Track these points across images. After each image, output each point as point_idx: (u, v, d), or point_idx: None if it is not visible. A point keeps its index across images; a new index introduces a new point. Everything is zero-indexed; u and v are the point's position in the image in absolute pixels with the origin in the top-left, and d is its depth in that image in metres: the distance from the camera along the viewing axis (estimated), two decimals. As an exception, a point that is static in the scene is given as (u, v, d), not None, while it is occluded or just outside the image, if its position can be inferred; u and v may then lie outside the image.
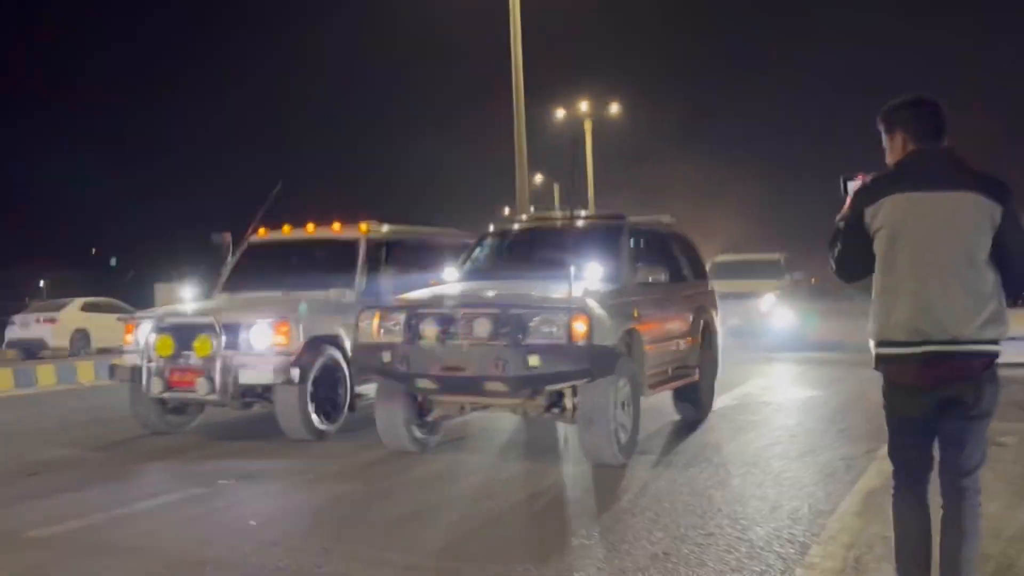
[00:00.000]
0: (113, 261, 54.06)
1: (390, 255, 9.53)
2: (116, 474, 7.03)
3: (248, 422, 9.14)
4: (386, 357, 6.87)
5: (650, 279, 7.73)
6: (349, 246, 9.25)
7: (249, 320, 8.11)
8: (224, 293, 9.47)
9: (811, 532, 5.09)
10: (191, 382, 7.95)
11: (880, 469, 6.31)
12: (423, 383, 6.87)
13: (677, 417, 9.15)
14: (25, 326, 23.38)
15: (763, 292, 17.00)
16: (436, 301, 7.09)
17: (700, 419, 9.05)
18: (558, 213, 8.95)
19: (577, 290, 6.70)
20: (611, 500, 5.87)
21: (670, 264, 8.87)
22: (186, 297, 9.28)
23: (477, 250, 8.78)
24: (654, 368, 7.80)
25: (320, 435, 8.14)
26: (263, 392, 8.19)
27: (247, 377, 7.92)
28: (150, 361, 8.12)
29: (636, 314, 7.42)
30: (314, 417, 8.08)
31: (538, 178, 60.19)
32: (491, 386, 6.68)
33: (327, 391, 8.30)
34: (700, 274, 9.73)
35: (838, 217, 3.41)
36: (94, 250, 58.26)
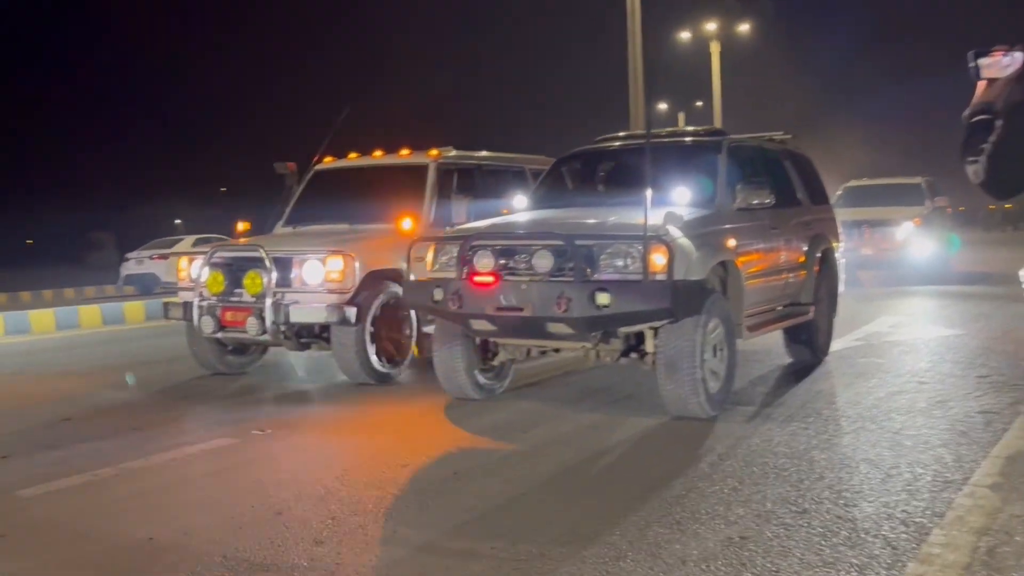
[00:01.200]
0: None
1: (465, 183, 8.78)
2: (150, 421, 6.56)
3: (315, 362, 8.62)
4: (438, 295, 6.13)
5: (754, 203, 6.74)
6: (417, 173, 8.53)
7: (301, 254, 7.52)
8: (287, 226, 8.92)
9: (933, 510, 4.14)
10: (242, 321, 7.43)
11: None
12: (479, 324, 6.11)
13: (788, 360, 8.18)
14: (139, 263, 24.64)
15: (900, 220, 15.48)
16: (494, 232, 6.32)
17: (815, 363, 8.06)
18: (647, 132, 7.94)
19: (657, 216, 5.79)
20: (688, 463, 5.01)
21: (780, 187, 7.84)
22: (247, 231, 8.78)
23: (552, 176, 7.94)
24: (756, 307, 6.86)
25: (382, 378, 7.55)
26: (321, 332, 7.63)
27: (299, 316, 7.34)
28: (202, 299, 7.65)
29: (733, 244, 6.46)
30: (374, 359, 7.48)
31: (661, 106, 58.28)
32: (555, 328, 5.87)
33: (390, 331, 7.67)
34: (819, 199, 8.64)
35: (967, 111, 2.39)
36: (223, 189, 60.08)
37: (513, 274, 5.98)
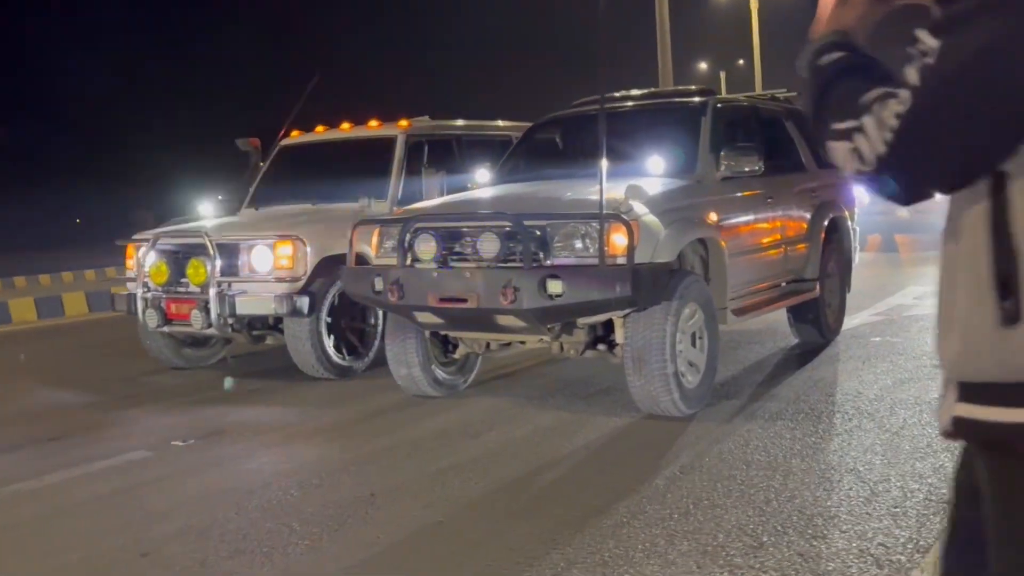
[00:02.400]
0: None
1: (441, 156, 8.14)
2: (72, 428, 6.04)
3: (283, 352, 8.10)
4: (378, 284, 5.54)
5: (743, 171, 6.04)
6: (386, 146, 7.90)
7: (249, 239, 6.95)
8: (250, 207, 8.36)
9: (917, 543, 3.50)
10: (187, 314, 6.89)
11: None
12: (423, 316, 5.51)
13: (793, 342, 7.51)
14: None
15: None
16: (438, 214, 5.70)
17: (823, 344, 7.37)
18: (627, 93, 7.21)
19: (618, 191, 5.14)
20: (644, 477, 4.40)
21: (780, 151, 7.13)
22: (208, 213, 8.26)
23: (525, 145, 7.28)
24: (747, 286, 6.20)
25: (343, 372, 7.01)
26: (276, 324, 7.09)
27: (246, 307, 6.78)
28: (146, 290, 7.12)
29: (714, 219, 5.78)
30: (332, 352, 6.92)
31: (702, 66, 56.54)
32: (505, 320, 5.27)
33: (352, 321, 7.10)
34: (827, 163, 7.85)
35: (809, 51, 1.39)
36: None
37: (461, 260, 5.38)
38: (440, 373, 6.14)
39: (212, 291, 6.70)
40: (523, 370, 7.14)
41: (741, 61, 47.25)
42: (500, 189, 6.42)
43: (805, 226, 7.10)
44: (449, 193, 7.19)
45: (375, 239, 5.85)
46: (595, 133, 6.93)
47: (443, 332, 5.91)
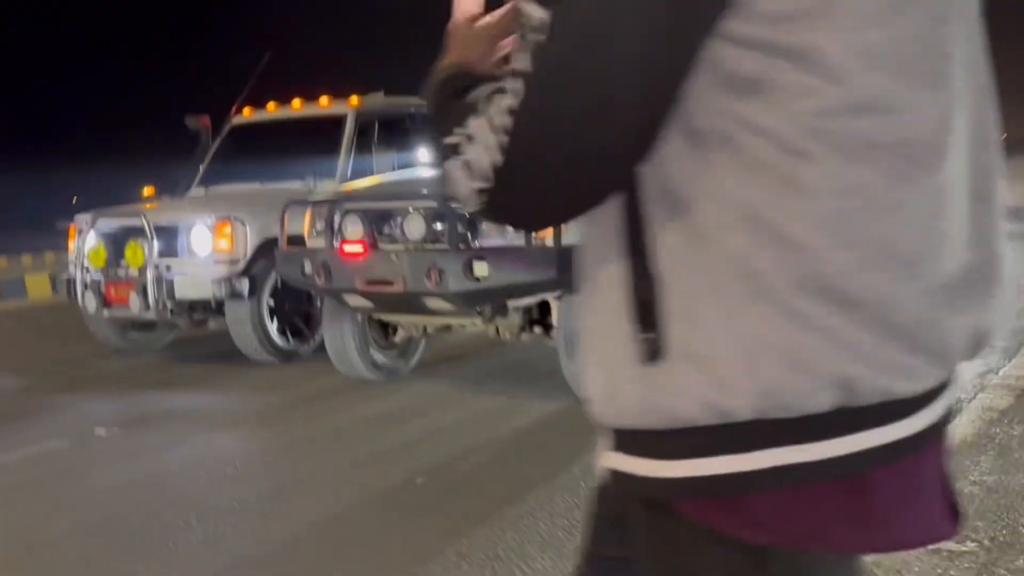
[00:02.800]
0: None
1: (393, 134, 7.97)
2: (3, 414, 5.93)
3: (227, 336, 7.92)
4: (307, 267, 5.42)
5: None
6: (336, 124, 7.73)
7: (187, 221, 6.80)
8: (200, 187, 8.19)
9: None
10: (125, 298, 6.77)
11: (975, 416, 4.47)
12: (353, 300, 5.39)
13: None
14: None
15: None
16: (367, 195, 5.55)
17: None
18: None
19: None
20: (562, 465, 4.27)
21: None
22: (151, 196, 8.10)
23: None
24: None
25: (287, 356, 6.89)
26: (219, 307, 6.94)
27: (184, 291, 6.65)
28: (86, 273, 6.99)
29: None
30: (275, 336, 6.80)
31: None
32: (433, 303, 5.13)
33: (297, 304, 6.95)
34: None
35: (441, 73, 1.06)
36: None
37: (391, 242, 5.24)
38: (379, 357, 6.02)
39: (150, 274, 6.57)
40: (472, 352, 6.99)
41: None
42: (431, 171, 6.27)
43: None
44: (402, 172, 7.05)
45: (307, 221, 5.71)
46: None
47: (375, 316, 5.77)
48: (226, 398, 6.13)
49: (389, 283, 5.09)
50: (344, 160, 7.50)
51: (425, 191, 5.24)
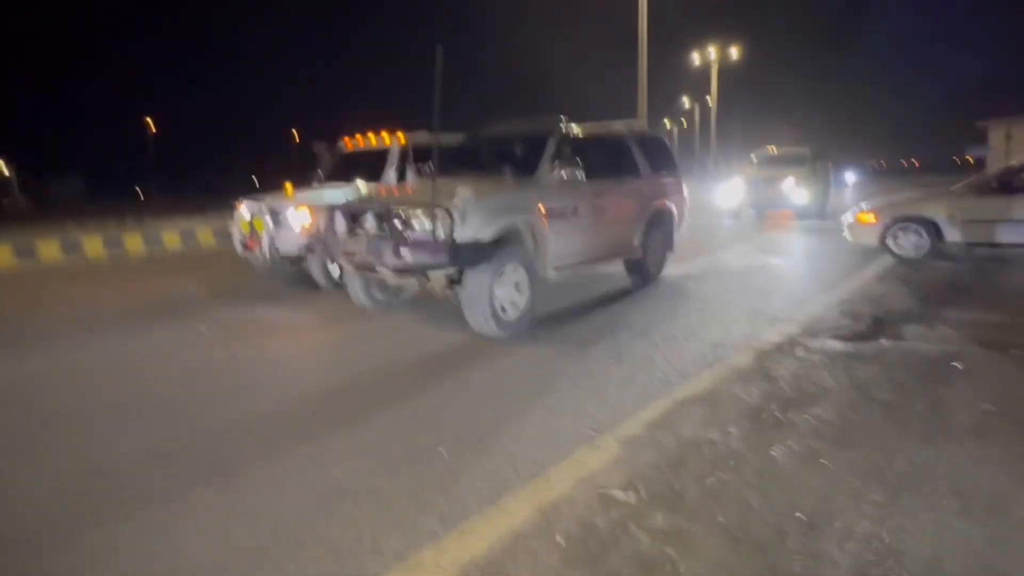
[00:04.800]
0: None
1: (425, 157, 7.28)
2: (155, 312, 5.69)
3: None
4: (318, 243, 4.95)
5: (570, 176, 5.10)
6: (385, 150, 7.12)
7: (286, 207, 6.39)
8: (318, 185, 7.70)
9: (544, 460, 2.77)
10: (253, 249, 6.47)
11: (719, 375, 3.67)
12: (341, 261, 4.90)
13: (628, 282, 6.56)
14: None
15: (785, 176, 12.82)
16: (351, 202, 4.96)
17: (645, 285, 6.42)
18: (512, 122, 6.15)
19: (451, 191, 4.34)
20: (437, 379, 3.74)
21: (618, 162, 6.06)
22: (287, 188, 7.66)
23: (461, 150, 6.27)
24: (567, 253, 5.27)
25: (336, 284, 6.35)
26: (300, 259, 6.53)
27: (283, 247, 6.32)
28: (241, 233, 6.71)
29: (542, 208, 4.89)
30: (333, 272, 6.34)
31: (684, 98, 51.92)
32: (381, 269, 4.59)
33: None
34: (663, 168, 6.68)
35: None
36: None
37: (362, 231, 4.68)
38: (378, 295, 5.53)
39: (265, 237, 6.25)
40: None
41: (708, 96, 42.37)
42: (412, 182, 5.64)
43: (633, 211, 6.08)
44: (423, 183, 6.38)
45: (324, 216, 5.17)
46: (493, 147, 6.03)
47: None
48: (291, 312, 5.70)
49: (355, 254, 4.57)
50: (386, 175, 6.91)
51: (383, 202, 4.62)
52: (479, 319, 4.49)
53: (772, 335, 4.52)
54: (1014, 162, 7.27)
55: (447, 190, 4.40)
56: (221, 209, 12.54)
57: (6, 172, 24.36)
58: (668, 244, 6.73)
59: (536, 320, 4.98)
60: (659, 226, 6.48)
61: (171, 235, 11.52)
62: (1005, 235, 6.93)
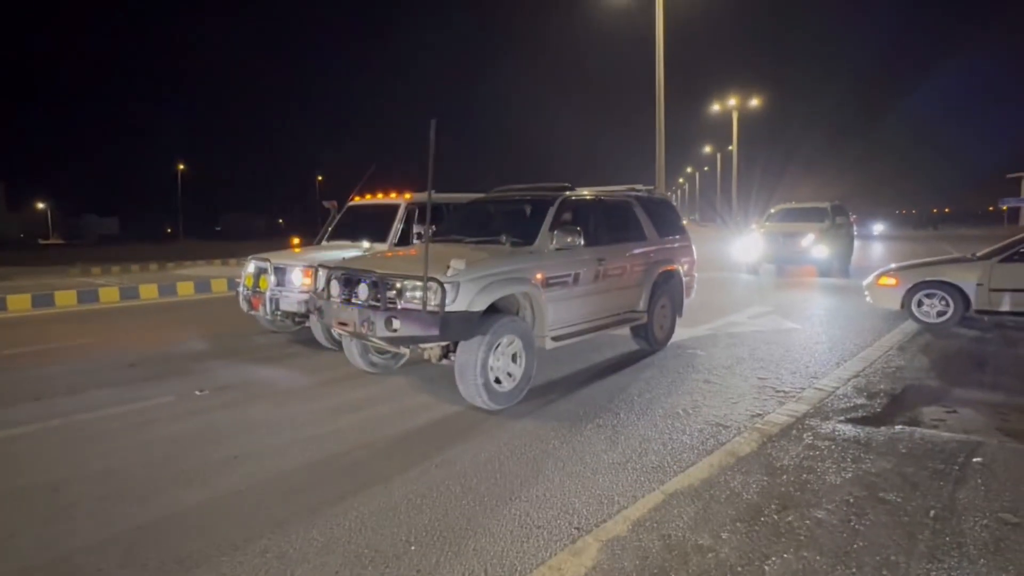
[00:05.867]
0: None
1: (433, 217, 7.30)
2: (154, 369, 5.68)
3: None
4: (314, 307, 4.92)
5: (568, 244, 5.04)
6: (391, 209, 7.17)
7: (291, 266, 6.44)
8: (324, 242, 7.78)
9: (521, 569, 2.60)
10: (257, 306, 6.50)
11: (718, 462, 3.48)
12: (336, 330, 4.85)
13: (634, 347, 6.40)
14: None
15: (805, 232, 12.62)
16: (345, 266, 4.94)
17: (652, 351, 6.26)
18: (514, 188, 6.15)
19: (444, 263, 4.29)
20: (420, 458, 3.61)
21: (623, 227, 6.00)
22: (294, 244, 7.78)
23: (456, 214, 6.34)
24: (567, 321, 5.15)
25: (338, 345, 6.33)
26: (304, 317, 6.52)
27: (285, 306, 6.32)
28: (245, 288, 6.76)
29: (540, 277, 4.82)
30: (335, 332, 6.30)
31: (707, 149, 52.22)
32: (373, 340, 4.53)
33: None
34: (670, 232, 6.59)
35: None
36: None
37: (355, 297, 4.65)
38: (375, 358, 5.47)
39: (268, 294, 6.30)
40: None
41: (730, 147, 42.67)
42: (399, 249, 5.62)
43: (637, 276, 5.97)
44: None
45: (318, 278, 5.15)
46: (495, 213, 6.02)
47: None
48: (288, 375, 5.62)
49: (348, 325, 4.52)
50: (392, 233, 6.94)
51: (377, 270, 4.58)
52: (471, 391, 4.37)
53: (779, 415, 4.31)
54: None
55: (441, 260, 4.36)
56: (240, 256, 12.63)
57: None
58: (676, 309, 6.58)
59: (535, 390, 4.85)
60: (666, 291, 6.35)
61: (185, 285, 11.72)
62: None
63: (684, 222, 6.96)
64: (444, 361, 4.73)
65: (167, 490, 3.31)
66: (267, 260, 6.57)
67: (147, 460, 3.70)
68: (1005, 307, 6.82)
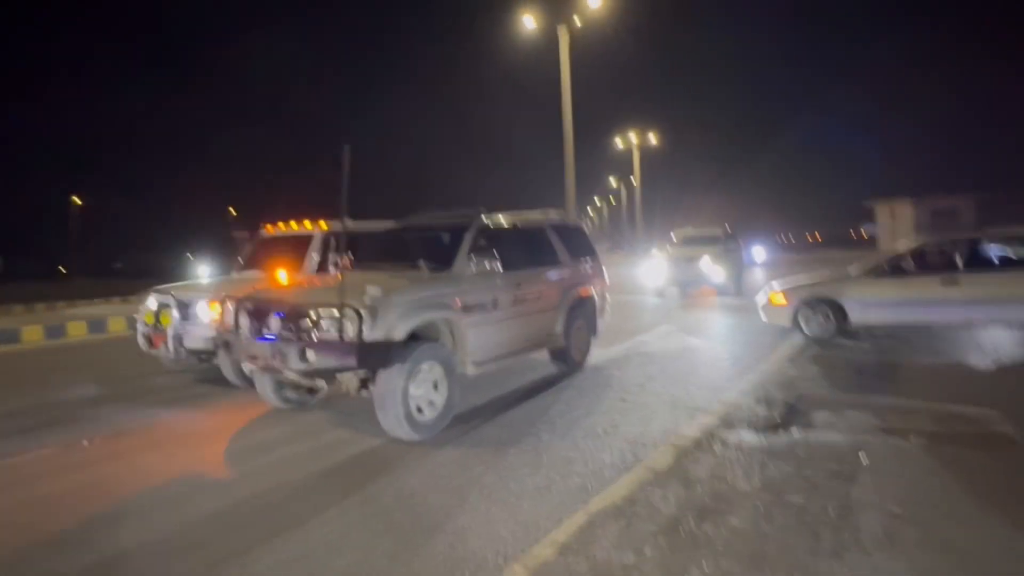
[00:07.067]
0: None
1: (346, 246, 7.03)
2: (39, 419, 5.02)
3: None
4: (221, 342, 4.55)
5: (486, 269, 4.99)
6: (307, 239, 6.86)
7: (196, 299, 5.96)
8: (235, 273, 7.30)
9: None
10: (158, 345, 5.94)
11: (637, 478, 3.46)
12: (247, 365, 4.50)
13: (553, 370, 6.39)
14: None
15: (702, 255, 13.37)
16: (253, 295, 4.64)
17: (571, 372, 6.28)
18: (429, 214, 6.08)
19: (360, 290, 4.10)
20: (339, 497, 3.35)
21: (537, 252, 6.03)
22: (203, 274, 7.24)
23: (374, 242, 6.16)
24: (488, 346, 5.07)
25: (250, 382, 5.87)
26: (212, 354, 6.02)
27: (191, 343, 5.81)
28: (145, 325, 6.16)
29: (459, 303, 4.72)
30: (245, 368, 5.82)
31: (597, 200, 54.53)
32: (288, 373, 4.23)
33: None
34: (582, 255, 6.71)
35: None
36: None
37: (265, 328, 4.34)
38: (290, 394, 5.11)
39: (170, 331, 5.73)
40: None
41: (632, 177, 44.33)
42: (314, 279, 5.36)
43: (554, 300, 6.01)
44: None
45: (225, 310, 4.80)
46: (412, 239, 5.88)
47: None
48: (193, 417, 5.13)
49: (257, 359, 4.20)
50: (308, 262, 6.62)
51: (288, 300, 4.32)
52: (392, 422, 4.16)
53: (691, 428, 4.41)
54: (901, 249, 7.77)
55: (357, 287, 4.16)
56: (140, 293, 11.56)
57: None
58: (591, 330, 6.68)
59: (458, 417, 4.69)
60: (581, 313, 6.43)
61: (77, 325, 10.58)
62: (898, 315, 7.29)
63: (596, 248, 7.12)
64: (363, 393, 4.49)
65: (38, 558, 2.85)
66: (169, 294, 6.04)
67: (16, 523, 3.20)
68: (875, 320, 7.46)
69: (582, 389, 5.70)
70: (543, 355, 6.35)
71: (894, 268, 7.50)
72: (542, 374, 6.30)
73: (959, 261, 7.09)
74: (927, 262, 7.35)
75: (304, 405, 5.21)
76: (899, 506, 3.08)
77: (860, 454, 3.76)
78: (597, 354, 7.00)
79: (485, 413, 4.96)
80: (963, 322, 7.05)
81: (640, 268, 14.67)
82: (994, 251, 7.40)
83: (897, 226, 18.68)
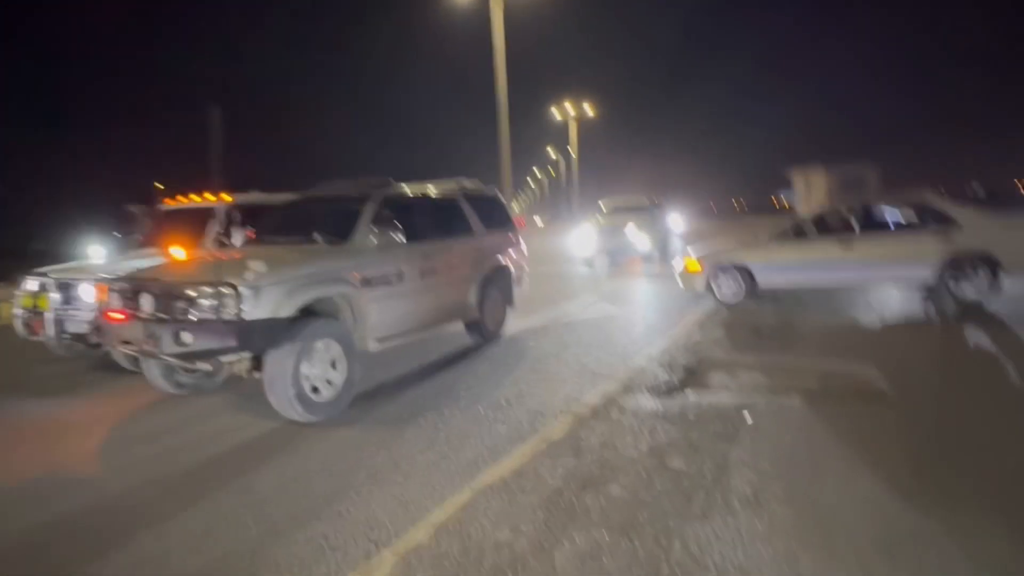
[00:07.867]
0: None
1: (251, 218, 6.58)
2: None
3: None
4: (96, 325, 4.14)
5: (390, 241, 4.73)
6: (208, 212, 6.37)
7: (78, 281, 5.43)
8: (133, 252, 6.69)
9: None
10: (38, 331, 5.40)
11: (531, 449, 3.36)
12: (121, 351, 4.12)
13: (468, 341, 6.25)
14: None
15: (627, 223, 13.46)
16: (125, 277, 4.25)
17: (486, 343, 6.15)
18: (332, 185, 5.74)
19: (240, 266, 3.78)
20: (215, 488, 3.10)
21: (448, 222, 5.79)
22: (99, 255, 6.65)
23: (276, 214, 5.75)
24: (393, 321, 4.85)
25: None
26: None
27: (74, 327, 5.31)
28: (24, 310, 5.59)
29: (357, 277, 4.45)
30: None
31: (550, 150, 54.30)
32: (163, 358, 3.89)
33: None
34: (496, 226, 6.53)
35: None
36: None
37: (140, 312, 3.96)
38: (184, 378, 4.75)
39: (50, 315, 5.20)
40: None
41: (569, 147, 44.12)
42: (197, 255, 4.99)
43: (466, 272, 5.82)
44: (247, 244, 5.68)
45: (100, 293, 4.39)
46: (312, 212, 5.52)
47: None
48: (74, 407, 4.69)
49: (130, 343, 3.83)
50: (209, 238, 6.15)
51: (163, 278, 3.95)
52: (284, 403, 3.91)
53: (592, 396, 4.37)
54: (800, 215, 7.98)
55: (240, 263, 3.84)
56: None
57: None
58: (507, 301, 6.55)
59: (362, 395, 4.48)
60: (496, 284, 6.28)
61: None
62: (800, 277, 7.52)
63: (517, 216, 6.95)
64: (256, 374, 4.20)
65: None
66: (46, 276, 5.47)
67: None
68: (781, 282, 7.67)
69: (494, 361, 5.58)
70: (459, 327, 6.19)
71: (797, 232, 7.70)
72: (457, 346, 6.15)
73: (855, 225, 7.34)
74: (827, 226, 7.57)
75: (201, 390, 4.86)
76: (772, 464, 3.12)
77: (744, 413, 3.81)
78: (516, 325, 6.90)
79: (391, 390, 4.77)
80: (859, 282, 7.35)
81: (570, 238, 14.65)
82: (888, 215, 7.71)
83: (812, 193, 19.38)
